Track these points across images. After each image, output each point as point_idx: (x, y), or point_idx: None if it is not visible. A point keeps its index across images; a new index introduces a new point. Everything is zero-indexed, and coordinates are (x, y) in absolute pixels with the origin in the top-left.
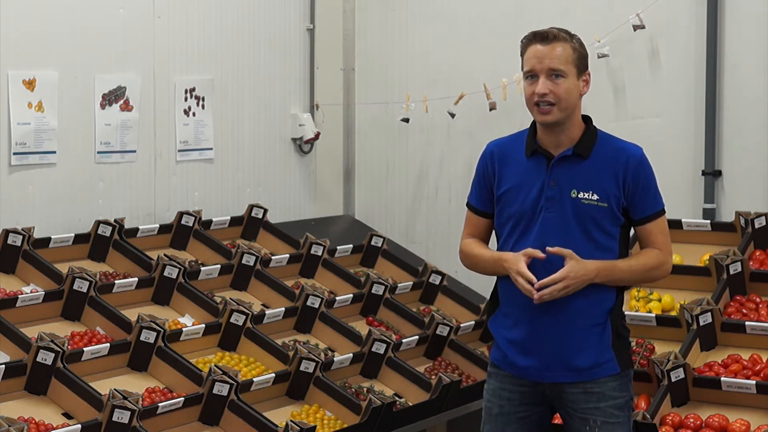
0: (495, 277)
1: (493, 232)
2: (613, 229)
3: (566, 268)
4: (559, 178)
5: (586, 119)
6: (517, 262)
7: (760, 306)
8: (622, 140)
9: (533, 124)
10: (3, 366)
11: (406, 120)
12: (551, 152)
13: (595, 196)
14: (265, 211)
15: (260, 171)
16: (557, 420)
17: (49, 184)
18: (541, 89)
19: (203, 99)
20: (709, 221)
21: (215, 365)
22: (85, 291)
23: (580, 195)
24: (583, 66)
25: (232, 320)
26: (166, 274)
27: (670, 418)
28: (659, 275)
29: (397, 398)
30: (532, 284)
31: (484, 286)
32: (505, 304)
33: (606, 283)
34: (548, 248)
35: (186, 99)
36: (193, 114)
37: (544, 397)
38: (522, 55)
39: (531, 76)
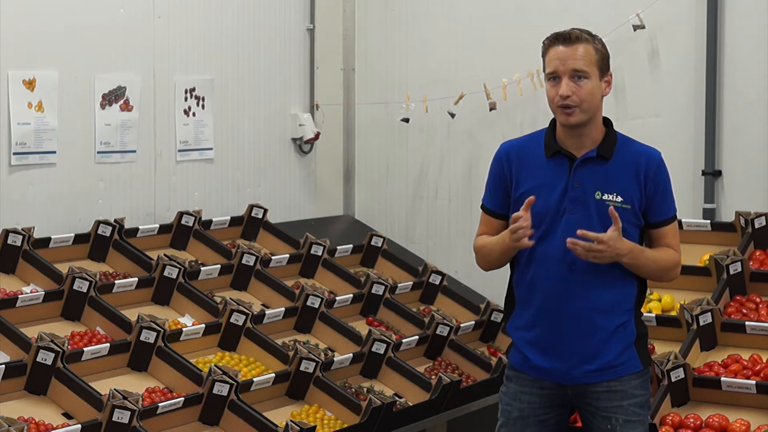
0: (495, 278)
1: None
2: (633, 231)
3: (609, 233)
4: (582, 179)
5: (607, 121)
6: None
7: (760, 306)
8: (641, 143)
9: (552, 124)
10: (3, 366)
11: (406, 120)
12: (574, 153)
13: (620, 198)
14: (265, 211)
15: (260, 171)
16: (575, 422)
17: (49, 184)
18: (565, 91)
19: (203, 99)
20: (709, 221)
21: (215, 365)
22: (85, 291)
23: (605, 196)
24: (606, 67)
25: (232, 320)
26: (166, 274)
27: (670, 418)
28: (672, 276)
29: (397, 398)
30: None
31: (484, 286)
32: (522, 305)
33: (630, 268)
34: (610, 209)
35: (186, 99)
36: (193, 114)
37: (566, 399)
38: (543, 56)
39: (554, 77)
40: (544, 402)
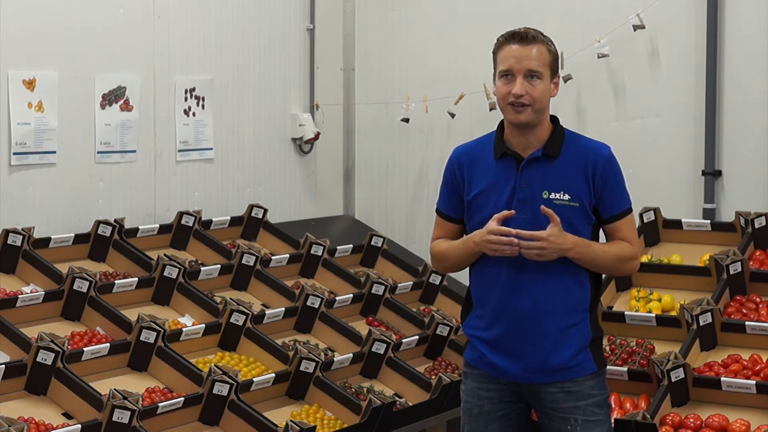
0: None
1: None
2: (585, 229)
3: (548, 231)
4: (530, 179)
5: (553, 119)
6: (488, 225)
7: (760, 306)
8: (590, 139)
9: (500, 126)
10: (3, 366)
11: (406, 120)
12: (520, 154)
13: (567, 196)
14: (265, 211)
15: (260, 171)
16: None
17: (49, 184)
18: (519, 90)
19: (203, 99)
20: (709, 221)
21: (215, 365)
22: (85, 291)
23: (552, 195)
24: (556, 68)
25: (232, 320)
26: (166, 274)
27: (670, 418)
28: (629, 268)
29: (397, 398)
30: (510, 236)
31: None
32: (479, 305)
33: (579, 262)
34: (542, 207)
35: (186, 99)
36: (193, 114)
37: (522, 396)
38: (496, 53)
39: (507, 75)
40: (503, 397)
